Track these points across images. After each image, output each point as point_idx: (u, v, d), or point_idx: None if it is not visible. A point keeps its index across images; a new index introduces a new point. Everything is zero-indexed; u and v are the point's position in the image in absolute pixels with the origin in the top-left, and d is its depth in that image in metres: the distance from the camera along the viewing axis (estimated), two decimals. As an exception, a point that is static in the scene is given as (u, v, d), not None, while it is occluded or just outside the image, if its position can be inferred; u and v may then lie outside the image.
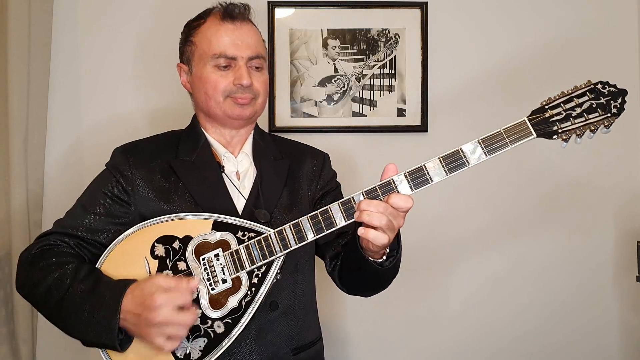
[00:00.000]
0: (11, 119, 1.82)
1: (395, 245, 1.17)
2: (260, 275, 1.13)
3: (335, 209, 1.10)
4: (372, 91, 2.07)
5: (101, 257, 1.20)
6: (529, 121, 1.07)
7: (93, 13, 2.02)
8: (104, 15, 2.02)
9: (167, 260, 1.16)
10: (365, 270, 1.18)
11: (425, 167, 1.08)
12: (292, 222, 1.12)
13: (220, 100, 1.27)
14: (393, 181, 1.09)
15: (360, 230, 1.07)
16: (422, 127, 2.06)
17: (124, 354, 1.14)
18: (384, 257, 1.16)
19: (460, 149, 1.07)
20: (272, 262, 1.13)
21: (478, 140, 1.07)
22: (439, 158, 1.08)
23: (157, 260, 1.16)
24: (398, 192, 1.08)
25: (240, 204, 1.26)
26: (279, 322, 1.24)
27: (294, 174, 1.35)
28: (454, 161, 1.07)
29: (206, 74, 1.28)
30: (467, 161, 1.07)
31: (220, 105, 1.28)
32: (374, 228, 1.06)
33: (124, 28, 2.02)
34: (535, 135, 1.06)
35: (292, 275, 1.28)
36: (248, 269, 1.13)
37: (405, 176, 1.09)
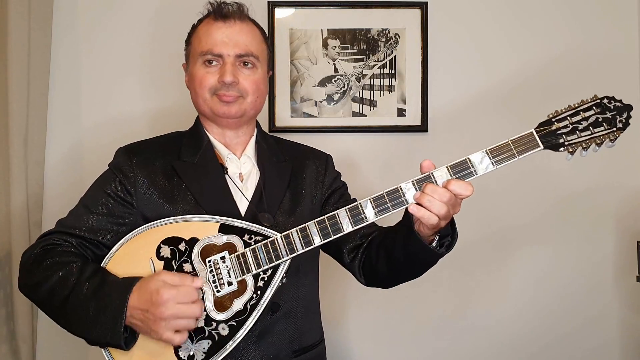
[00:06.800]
0: (11, 119, 1.82)
1: (449, 230, 1.17)
2: (266, 279, 1.14)
3: (342, 214, 1.12)
4: (372, 91, 2.07)
5: (106, 257, 1.20)
6: (536, 133, 1.08)
7: (93, 13, 2.01)
8: (104, 15, 2.01)
9: (173, 262, 1.16)
10: (414, 257, 1.18)
11: (433, 175, 1.09)
12: (299, 227, 1.13)
13: (207, 97, 1.28)
14: (401, 188, 1.10)
15: (412, 208, 1.07)
16: (422, 127, 2.06)
17: (127, 354, 1.14)
18: (434, 244, 1.16)
19: (468, 158, 1.09)
20: (278, 265, 1.14)
21: (486, 151, 1.09)
22: (446, 167, 1.09)
23: (162, 262, 1.17)
24: (405, 199, 1.09)
25: (243, 206, 1.26)
26: (280, 324, 1.25)
27: (297, 176, 1.35)
28: (461, 170, 1.09)
29: (195, 71, 1.29)
30: (475, 171, 1.09)
31: (207, 102, 1.29)
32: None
33: (124, 28, 2.02)
34: (542, 147, 1.08)
35: (294, 278, 1.27)
36: (254, 272, 1.13)
37: (413, 184, 1.10)
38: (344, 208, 1.12)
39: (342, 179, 1.47)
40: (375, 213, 1.11)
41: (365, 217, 1.11)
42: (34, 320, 1.89)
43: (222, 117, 1.29)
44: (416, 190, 1.09)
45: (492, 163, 1.08)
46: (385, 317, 2.09)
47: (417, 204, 1.08)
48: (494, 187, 2.08)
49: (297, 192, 1.33)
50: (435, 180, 1.09)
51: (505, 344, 2.12)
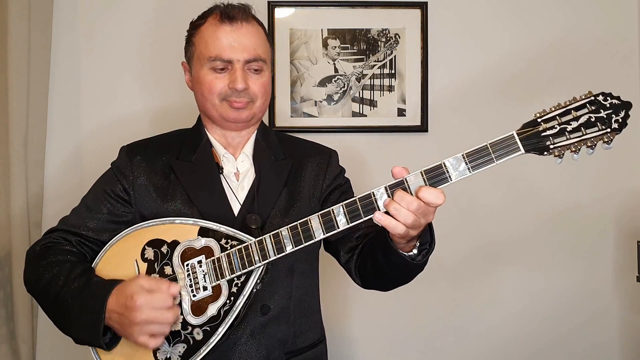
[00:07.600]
0: (11, 119, 1.82)
1: (428, 238, 1.12)
2: (239, 285, 1.12)
3: (315, 221, 1.07)
4: (372, 91, 2.07)
5: (96, 258, 1.22)
6: (518, 135, 0.99)
7: (93, 13, 2.01)
8: (104, 15, 2.02)
9: (155, 264, 1.17)
10: (395, 265, 1.13)
11: (406, 180, 1.03)
12: (272, 233, 1.10)
13: (216, 103, 1.27)
14: (373, 194, 1.04)
15: (378, 217, 1.02)
16: (422, 127, 2.06)
17: (111, 353, 1.16)
18: (414, 251, 1.12)
19: (443, 163, 1.02)
20: (251, 271, 1.12)
21: (462, 155, 1.01)
22: (421, 172, 1.02)
23: (146, 264, 1.17)
24: (377, 206, 1.03)
25: (236, 206, 1.26)
26: (271, 325, 1.23)
27: (296, 174, 1.32)
28: (436, 176, 1.02)
29: (203, 76, 1.26)
30: (450, 176, 1.01)
31: (217, 108, 1.27)
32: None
33: (124, 28, 2.02)
34: (523, 150, 0.99)
35: (286, 279, 1.26)
36: (228, 277, 1.12)
37: (386, 189, 1.04)
38: (317, 214, 1.07)
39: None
40: (348, 220, 1.05)
41: (337, 224, 1.06)
42: (34, 320, 1.90)
43: (232, 122, 1.29)
44: (388, 196, 1.03)
45: (469, 168, 1.00)
46: (389, 317, 2.09)
47: (385, 211, 1.02)
48: (497, 186, 2.08)
49: (295, 191, 1.30)
50: (409, 186, 1.02)
51: (507, 342, 2.11)
